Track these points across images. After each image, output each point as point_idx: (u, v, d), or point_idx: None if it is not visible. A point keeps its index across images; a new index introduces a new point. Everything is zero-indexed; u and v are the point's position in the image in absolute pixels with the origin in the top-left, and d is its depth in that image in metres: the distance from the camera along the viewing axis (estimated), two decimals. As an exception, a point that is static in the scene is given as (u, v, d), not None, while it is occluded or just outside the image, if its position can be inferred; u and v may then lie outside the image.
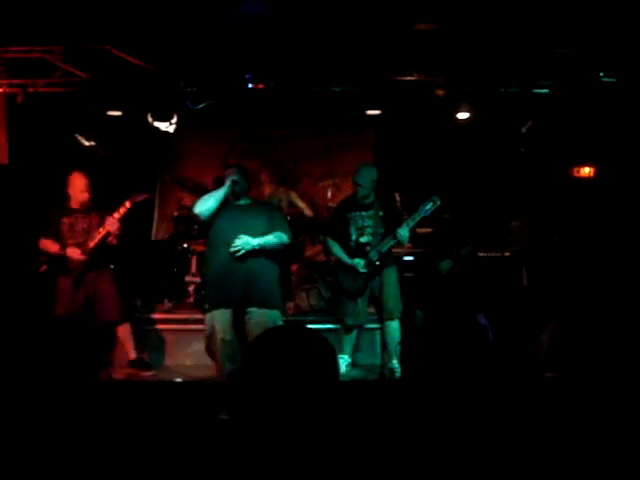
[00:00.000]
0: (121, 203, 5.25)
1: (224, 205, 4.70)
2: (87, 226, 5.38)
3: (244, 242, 4.55)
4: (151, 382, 5.24)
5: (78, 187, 5.40)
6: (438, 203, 5.11)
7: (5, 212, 6.39)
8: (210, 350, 4.65)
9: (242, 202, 4.78)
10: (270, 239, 4.64)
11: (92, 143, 6.92)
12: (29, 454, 1.78)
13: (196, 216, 4.81)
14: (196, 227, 6.83)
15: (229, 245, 4.56)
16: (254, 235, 4.59)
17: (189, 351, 5.92)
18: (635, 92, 5.86)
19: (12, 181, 6.46)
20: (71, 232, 5.36)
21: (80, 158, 7.01)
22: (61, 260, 5.28)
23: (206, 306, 4.73)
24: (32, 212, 6.55)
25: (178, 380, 5.34)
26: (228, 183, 4.66)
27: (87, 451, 1.85)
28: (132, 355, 5.47)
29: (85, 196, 5.40)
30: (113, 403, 3.50)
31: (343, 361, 5.48)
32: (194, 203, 4.83)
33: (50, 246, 5.31)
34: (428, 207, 5.11)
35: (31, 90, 5.95)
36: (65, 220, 5.37)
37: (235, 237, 4.56)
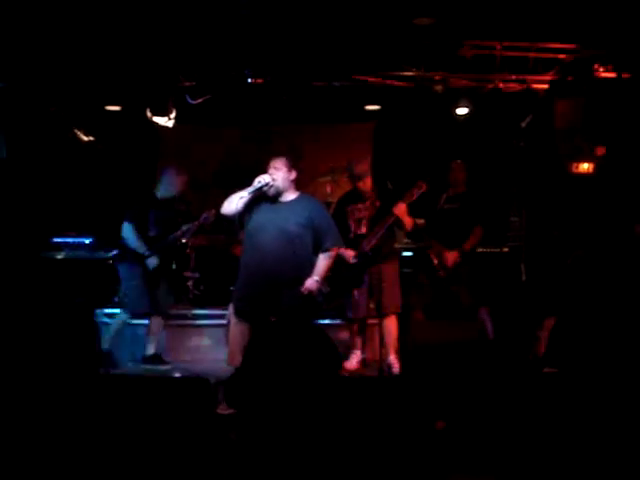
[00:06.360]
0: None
1: (265, 201, 4.37)
2: None
3: (309, 289, 4.26)
4: (149, 377, 5.23)
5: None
6: (424, 188, 5.00)
7: (4, 206, 6.39)
8: (227, 336, 4.75)
9: (284, 199, 4.42)
10: (324, 266, 4.35)
11: (91, 138, 6.92)
12: (27, 445, 1.78)
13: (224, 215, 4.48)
14: (196, 223, 6.81)
15: (257, 248, 4.33)
16: (288, 237, 4.28)
17: (188, 346, 5.92)
18: (635, 88, 5.85)
19: (11, 175, 6.46)
20: None
21: (78, 153, 7.03)
22: None
23: (232, 299, 4.64)
24: (31, 206, 6.57)
25: (177, 375, 5.33)
26: (255, 185, 4.29)
27: (84, 445, 1.85)
28: (151, 350, 5.45)
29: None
30: (111, 398, 3.50)
31: (355, 357, 5.48)
32: (223, 202, 4.44)
33: None
34: (413, 193, 5.00)
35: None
36: None
37: (263, 240, 4.29)
